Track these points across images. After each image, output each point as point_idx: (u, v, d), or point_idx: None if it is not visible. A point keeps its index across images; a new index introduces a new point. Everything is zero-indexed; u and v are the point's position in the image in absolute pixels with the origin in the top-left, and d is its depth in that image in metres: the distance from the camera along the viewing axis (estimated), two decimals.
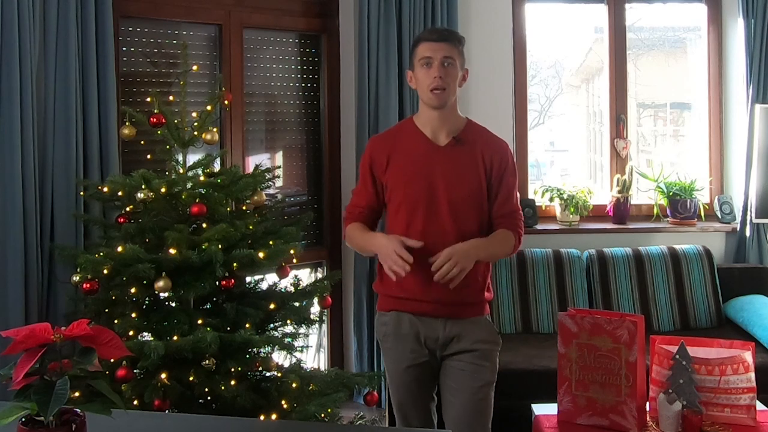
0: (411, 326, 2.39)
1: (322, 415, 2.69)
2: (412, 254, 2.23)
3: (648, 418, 2.47)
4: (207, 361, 2.42)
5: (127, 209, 2.75)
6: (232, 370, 2.49)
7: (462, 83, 2.42)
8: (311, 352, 3.94)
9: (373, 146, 2.48)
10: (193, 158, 2.88)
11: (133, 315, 2.55)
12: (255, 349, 2.60)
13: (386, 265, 2.23)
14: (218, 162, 3.13)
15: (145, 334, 2.57)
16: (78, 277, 2.55)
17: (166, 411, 2.40)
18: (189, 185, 2.72)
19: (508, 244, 2.40)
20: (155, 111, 2.74)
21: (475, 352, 2.38)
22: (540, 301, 3.80)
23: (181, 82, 2.83)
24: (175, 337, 2.45)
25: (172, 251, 2.52)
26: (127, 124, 2.79)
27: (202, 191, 2.70)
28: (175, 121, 2.79)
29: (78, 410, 1.26)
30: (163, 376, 2.43)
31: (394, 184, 2.39)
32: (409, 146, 2.40)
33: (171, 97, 3.10)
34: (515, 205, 2.46)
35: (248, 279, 2.90)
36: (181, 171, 2.77)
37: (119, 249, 2.52)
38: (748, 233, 4.10)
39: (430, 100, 2.35)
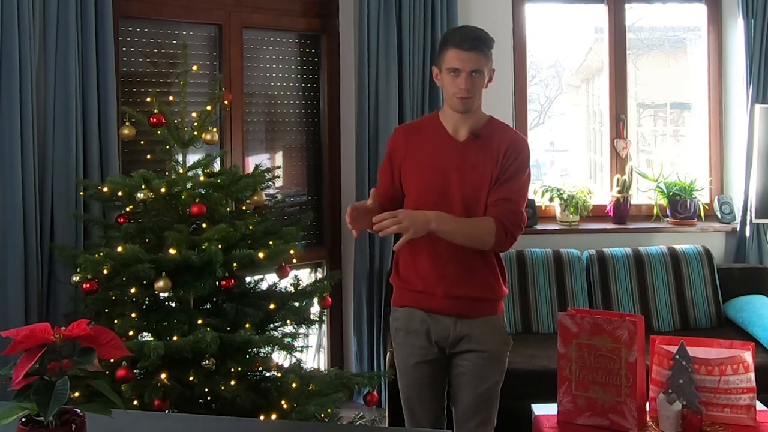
0: (421, 323, 2.40)
1: (322, 415, 2.69)
2: (429, 256, 2.34)
3: (648, 418, 2.47)
4: (207, 361, 2.42)
5: (127, 209, 2.75)
6: (232, 370, 2.49)
7: (488, 84, 2.38)
8: (311, 352, 3.94)
9: (396, 135, 2.50)
10: (193, 158, 2.88)
11: (133, 315, 2.55)
12: (255, 349, 2.60)
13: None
14: (218, 162, 3.13)
15: (145, 334, 2.57)
16: (78, 277, 2.55)
17: (166, 411, 2.40)
18: (189, 185, 2.72)
19: (482, 230, 2.27)
20: (155, 111, 2.74)
21: (483, 353, 2.39)
22: (540, 301, 3.80)
23: (181, 82, 2.83)
24: (175, 337, 2.45)
25: (172, 251, 2.52)
26: (127, 124, 2.78)
27: (202, 191, 2.70)
28: (175, 121, 2.79)
29: (78, 410, 1.25)
30: (163, 376, 2.43)
31: (409, 175, 2.40)
32: (428, 139, 2.41)
33: (171, 97, 3.10)
34: (509, 193, 2.32)
35: (248, 279, 2.90)
36: (181, 171, 2.77)
37: (119, 249, 2.52)
38: (748, 233, 4.10)
39: (455, 105, 2.35)
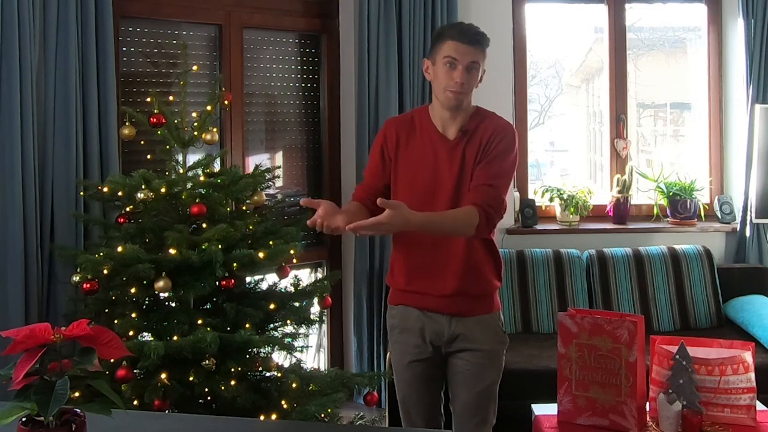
0: (416, 321, 2.39)
1: (322, 415, 2.69)
2: (419, 255, 2.34)
3: (648, 418, 2.47)
4: (207, 361, 2.42)
5: (127, 209, 2.75)
6: (232, 370, 2.49)
7: (478, 84, 2.38)
8: (311, 352, 3.94)
9: (388, 127, 2.45)
10: (193, 158, 2.88)
11: (133, 315, 2.55)
12: (255, 349, 2.60)
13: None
14: (218, 162, 3.12)
15: (145, 334, 2.57)
16: (78, 277, 2.55)
17: (166, 411, 2.40)
18: (189, 185, 2.72)
19: (465, 223, 2.21)
20: (155, 111, 2.74)
21: (479, 352, 2.38)
22: (540, 301, 3.80)
23: (181, 82, 2.83)
24: (175, 337, 2.45)
25: (172, 251, 2.52)
26: (127, 124, 2.79)
27: (202, 191, 2.70)
28: (175, 121, 2.79)
29: (78, 410, 1.25)
30: (163, 376, 2.43)
31: (400, 173, 2.38)
32: (419, 136, 2.39)
33: (171, 97, 3.10)
34: (491, 179, 2.26)
35: (248, 279, 2.90)
36: (181, 171, 2.78)
37: (119, 249, 2.52)
38: (748, 233, 4.10)
39: (446, 99, 2.31)
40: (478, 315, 2.39)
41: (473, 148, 2.33)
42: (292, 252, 2.78)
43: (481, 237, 2.32)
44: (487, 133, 2.34)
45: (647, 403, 2.50)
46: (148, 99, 2.85)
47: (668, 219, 4.24)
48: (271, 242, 2.73)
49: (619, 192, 4.20)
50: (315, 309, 2.91)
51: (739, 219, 4.14)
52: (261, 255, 2.60)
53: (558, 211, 4.26)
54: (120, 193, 2.69)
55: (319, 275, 4.02)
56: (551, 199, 4.25)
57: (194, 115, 2.85)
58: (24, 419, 1.21)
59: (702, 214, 4.21)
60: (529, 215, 4.15)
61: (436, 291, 2.35)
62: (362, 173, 2.54)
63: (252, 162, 3.80)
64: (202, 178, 2.76)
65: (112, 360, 2.23)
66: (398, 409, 2.54)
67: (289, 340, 2.72)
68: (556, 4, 4.52)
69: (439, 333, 2.38)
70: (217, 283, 2.54)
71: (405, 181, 2.37)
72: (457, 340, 2.38)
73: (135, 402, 2.42)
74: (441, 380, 2.47)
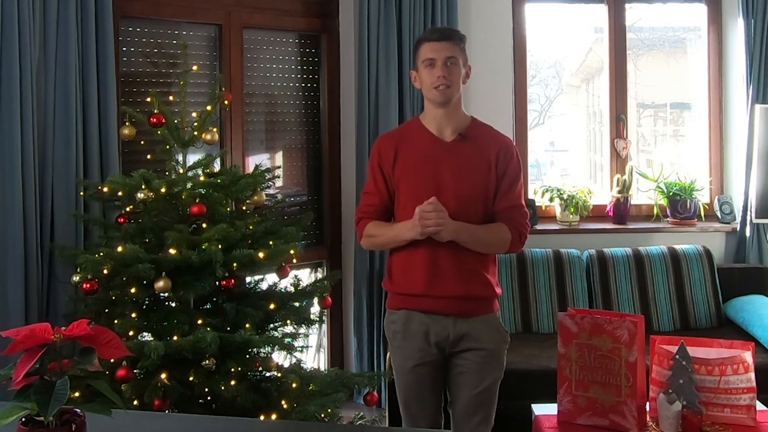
0: (420, 324, 2.40)
1: (322, 415, 2.69)
2: (421, 259, 2.37)
3: (648, 418, 2.47)
4: (207, 361, 2.42)
5: (127, 209, 2.75)
6: (232, 370, 2.49)
7: (465, 80, 2.43)
8: (311, 352, 3.94)
9: (380, 144, 2.49)
10: (193, 158, 2.88)
11: (133, 315, 2.55)
12: (255, 349, 2.60)
13: (427, 231, 2.28)
14: (218, 162, 3.13)
15: (145, 334, 2.57)
16: (78, 277, 2.55)
17: (166, 411, 2.40)
18: (189, 185, 2.72)
19: (499, 236, 2.38)
20: (155, 111, 2.74)
21: (482, 351, 2.40)
22: (540, 301, 3.80)
23: (181, 82, 2.83)
24: (175, 337, 2.45)
25: (172, 251, 2.52)
26: (127, 124, 2.79)
27: (202, 191, 2.70)
28: (175, 121, 2.79)
29: (78, 410, 1.25)
30: (163, 376, 2.43)
31: (401, 179, 2.41)
32: (415, 143, 2.42)
33: (171, 97, 3.10)
34: (516, 200, 2.43)
35: (248, 279, 2.90)
36: (181, 171, 2.77)
37: (119, 249, 2.52)
38: (748, 233, 4.10)
39: (434, 96, 2.37)
40: (481, 315, 2.41)
41: (480, 155, 2.39)
42: (292, 252, 2.78)
43: (514, 252, 2.49)
44: (494, 150, 2.41)
45: (647, 403, 2.50)
46: (148, 99, 2.84)
47: (668, 219, 4.24)
48: (271, 242, 2.73)
49: (619, 192, 4.20)
50: (315, 309, 2.91)
51: (739, 219, 4.14)
52: (261, 255, 2.60)
53: (558, 211, 4.26)
54: (120, 193, 2.69)
55: (319, 275, 4.02)
56: (551, 199, 4.25)
57: (194, 115, 2.85)
58: (24, 419, 1.21)
59: (702, 214, 4.21)
60: (529, 216, 4.15)
61: (440, 293, 2.36)
62: (362, 173, 2.55)
63: (252, 162, 3.80)
64: (202, 178, 2.76)
65: (112, 360, 2.23)
66: (398, 409, 2.55)
67: (289, 340, 2.72)
68: (556, 4, 4.52)
69: (444, 334, 2.39)
70: (217, 283, 2.54)
71: (408, 186, 2.40)
72: (462, 340, 2.39)
73: (135, 402, 2.42)
74: (443, 381, 2.48)
